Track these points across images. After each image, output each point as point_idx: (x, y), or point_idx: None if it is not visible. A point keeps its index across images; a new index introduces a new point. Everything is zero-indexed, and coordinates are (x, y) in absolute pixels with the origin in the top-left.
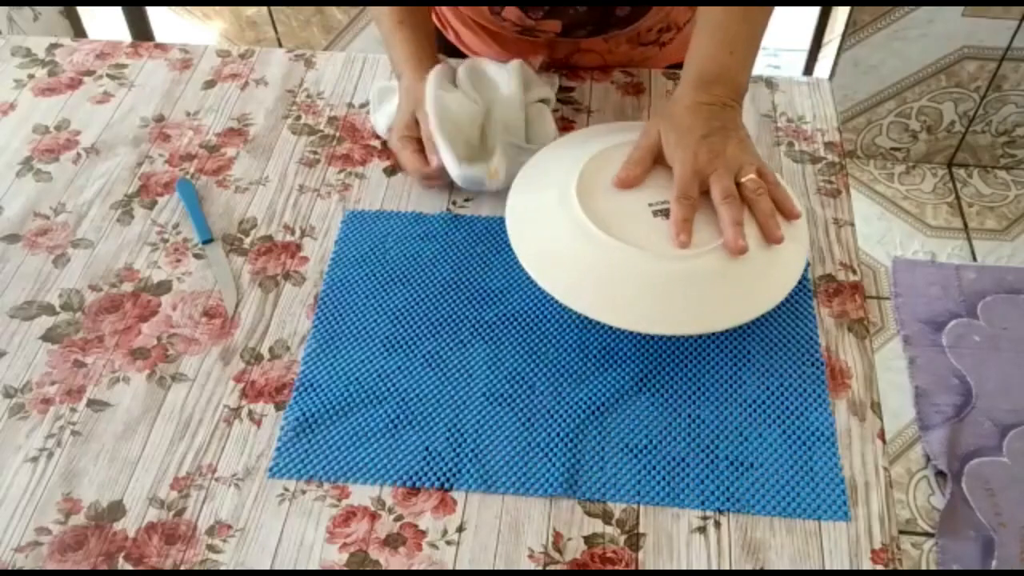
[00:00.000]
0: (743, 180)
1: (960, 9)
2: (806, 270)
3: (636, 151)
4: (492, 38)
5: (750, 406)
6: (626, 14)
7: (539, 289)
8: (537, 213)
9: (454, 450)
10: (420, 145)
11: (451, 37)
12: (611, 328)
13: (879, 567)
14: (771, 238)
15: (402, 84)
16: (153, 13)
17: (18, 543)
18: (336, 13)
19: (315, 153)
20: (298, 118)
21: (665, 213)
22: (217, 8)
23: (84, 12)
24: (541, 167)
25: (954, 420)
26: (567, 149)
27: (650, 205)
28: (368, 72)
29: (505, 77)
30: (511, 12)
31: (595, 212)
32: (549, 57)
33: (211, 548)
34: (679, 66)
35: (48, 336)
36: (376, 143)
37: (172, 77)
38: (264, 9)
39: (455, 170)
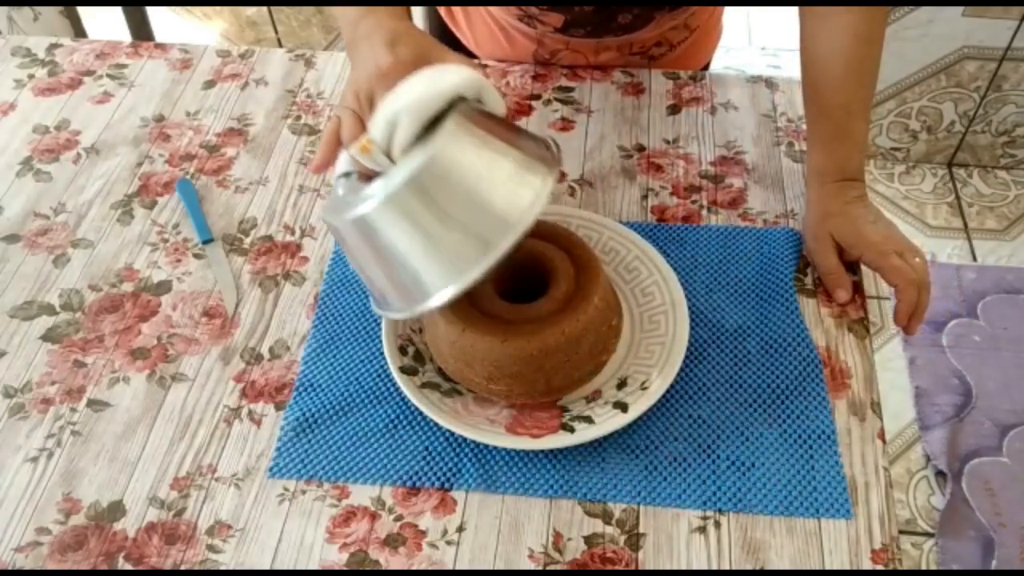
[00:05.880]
0: (917, 260)
1: (960, 9)
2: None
3: (832, 268)
4: (497, 27)
5: (750, 406)
6: (628, 22)
7: None
8: None
9: (454, 450)
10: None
11: (458, 32)
12: None
13: (879, 567)
14: (911, 330)
15: (364, 29)
16: (153, 13)
17: (18, 543)
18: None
19: (315, 153)
20: (298, 118)
21: None
22: (217, 8)
23: (84, 12)
24: None
25: (954, 420)
26: None
27: None
28: None
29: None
30: None
31: None
32: (535, 52)
33: (211, 548)
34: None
35: (48, 336)
36: None
37: (172, 77)
38: (264, 9)
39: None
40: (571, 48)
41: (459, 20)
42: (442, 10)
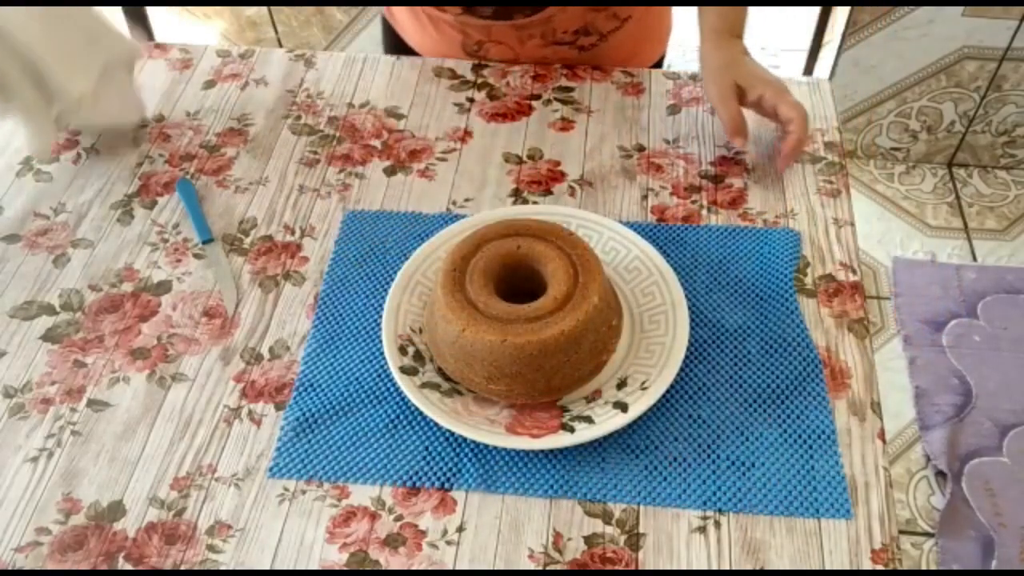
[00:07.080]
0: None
1: (960, 9)
2: (796, 268)
3: (736, 114)
4: (426, 16)
5: (750, 406)
6: None
7: None
8: None
9: (454, 450)
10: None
11: (397, 28)
12: None
13: (879, 567)
14: (784, 165)
15: None
16: (153, 13)
17: (18, 543)
18: (336, 13)
19: (315, 153)
20: (298, 118)
21: None
22: (217, 8)
23: None
24: None
25: (954, 420)
26: None
27: None
28: (368, 72)
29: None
30: None
31: None
32: (462, 43)
33: (211, 548)
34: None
35: (48, 336)
36: (376, 143)
37: (172, 77)
38: (264, 9)
39: None
40: (494, 39)
41: (397, 19)
42: (384, 11)
